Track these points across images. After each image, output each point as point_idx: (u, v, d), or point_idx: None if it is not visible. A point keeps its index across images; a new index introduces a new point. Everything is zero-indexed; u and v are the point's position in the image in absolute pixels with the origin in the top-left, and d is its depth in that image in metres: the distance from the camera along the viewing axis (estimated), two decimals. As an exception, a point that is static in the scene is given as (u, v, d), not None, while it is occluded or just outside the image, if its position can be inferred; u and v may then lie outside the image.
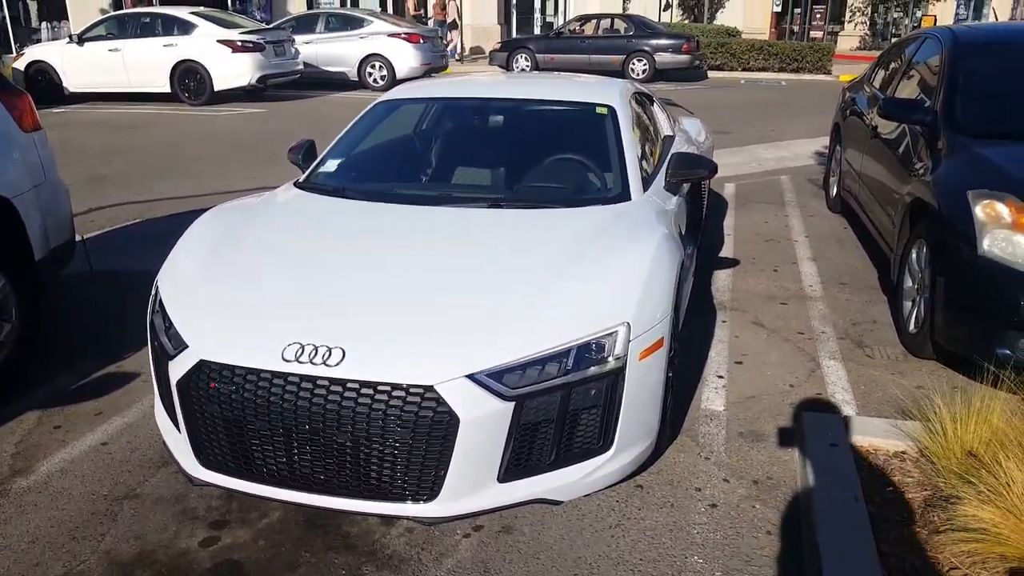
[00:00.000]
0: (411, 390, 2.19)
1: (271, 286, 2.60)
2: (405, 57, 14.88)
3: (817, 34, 24.78)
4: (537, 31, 24.28)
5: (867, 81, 6.04)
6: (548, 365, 2.28)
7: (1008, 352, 3.09)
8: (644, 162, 3.59)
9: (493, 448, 2.25)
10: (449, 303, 2.44)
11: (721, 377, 3.48)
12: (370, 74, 15.14)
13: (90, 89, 13.23)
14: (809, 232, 5.72)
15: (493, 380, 2.22)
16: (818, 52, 18.22)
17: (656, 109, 4.68)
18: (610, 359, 2.36)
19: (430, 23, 20.05)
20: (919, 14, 25.19)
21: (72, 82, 13.24)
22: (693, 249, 4.21)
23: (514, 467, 2.31)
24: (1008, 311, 3.09)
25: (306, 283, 2.59)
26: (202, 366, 2.35)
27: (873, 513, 2.41)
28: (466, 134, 4.09)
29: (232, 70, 12.69)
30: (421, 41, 15.08)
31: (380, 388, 2.20)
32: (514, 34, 23.55)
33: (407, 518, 2.37)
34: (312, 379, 2.23)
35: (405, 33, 15.04)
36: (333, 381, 2.22)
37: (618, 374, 2.37)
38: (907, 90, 4.84)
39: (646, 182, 3.39)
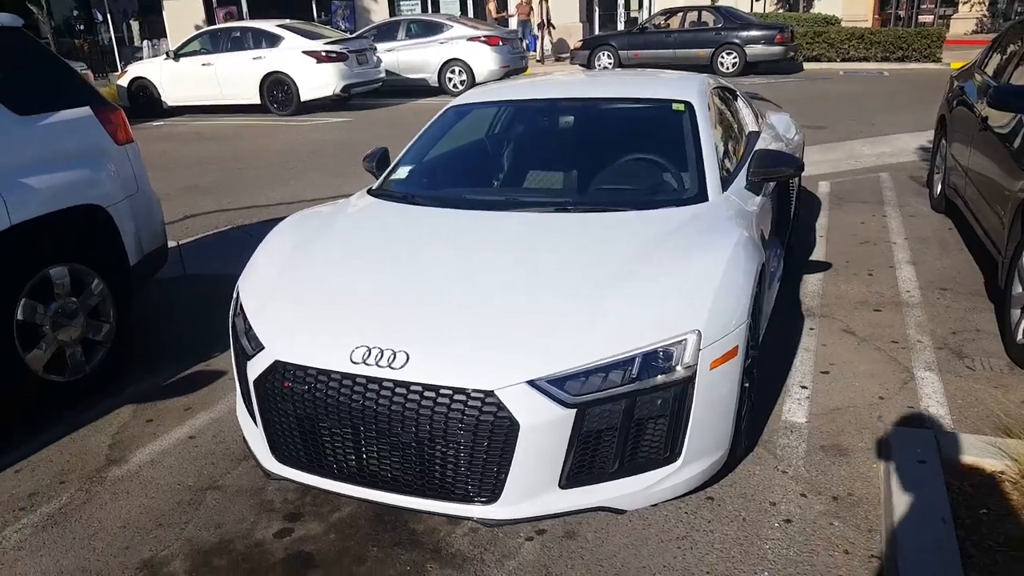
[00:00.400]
0: (472, 395, 2.21)
1: (341, 291, 2.68)
2: (484, 60, 14.87)
3: (927, 18, 23.23)
4: (620, 27, 23.83)
5: (978, 68, 5.51)
6: (612, 373, 2.24)
7: None
8: (726, 160, 3.47)
9: (554, 454, 2.24)
10: (513, 308, 2.44)
11: (805, 387, 3.33)
12: (450, 79, 15.19)
13: (186, 103, 13.89)
14: (909, 233, 5.40)
15: (554, 387, 2.21)
16: (926, 38, 17.16)
17: (740, 104, 4.51)
18: (678, 368, 2.30)
19: (512, 22, 19.93)
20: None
21: (170, 96, 13.93)
22: (779, 252, 4.04)
23: (576, 474, 2.29)
24: None
25: (374, 288, 2.65)
26: (277, 366, 2.45)
27: (962, 537, 2.26)
28: (537, 136, 4.07)
29: (317, 80, 13.02)
30: (500, 43, 15.02)
31: (442, 392, 2.23)
32: (596, 31, 23.21)
33: (468, 519, 2.39)
34: (378, 381, 2.29)
35: (484, 36, 15.01)
36: (398, 384, 2.27)
37: (687, 384, 2.31)
38: None
39: (725, 182, 3.28)
